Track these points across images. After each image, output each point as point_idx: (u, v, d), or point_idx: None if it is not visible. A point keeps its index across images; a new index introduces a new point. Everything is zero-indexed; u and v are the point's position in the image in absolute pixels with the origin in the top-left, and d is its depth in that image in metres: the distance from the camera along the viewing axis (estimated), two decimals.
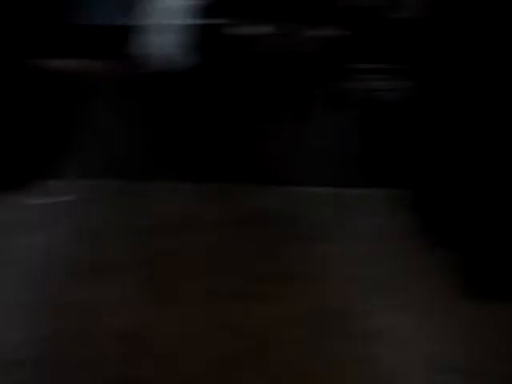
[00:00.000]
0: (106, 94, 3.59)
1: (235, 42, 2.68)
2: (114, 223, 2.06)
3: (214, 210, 2.16)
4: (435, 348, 1.46)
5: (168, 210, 2.16)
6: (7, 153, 2.28)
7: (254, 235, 1.99)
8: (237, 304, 1.63)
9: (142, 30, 2.79)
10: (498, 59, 1.90)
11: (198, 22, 2.91)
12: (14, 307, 1.63)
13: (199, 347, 1.46)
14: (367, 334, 1.51)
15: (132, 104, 3.21)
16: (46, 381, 1.35)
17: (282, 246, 1.93)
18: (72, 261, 1.82)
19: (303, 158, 2.69)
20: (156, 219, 2.09)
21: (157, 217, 2.11)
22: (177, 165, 2.57)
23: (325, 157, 2.71)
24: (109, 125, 3.03)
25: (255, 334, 1.50)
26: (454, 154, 1.97)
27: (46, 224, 2.04)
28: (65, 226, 2.03)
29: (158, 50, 2.74)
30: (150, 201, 2.23)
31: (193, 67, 3.47)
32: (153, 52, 2.75)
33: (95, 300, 1.65)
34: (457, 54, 1.93)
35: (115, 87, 3.41)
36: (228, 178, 2.45)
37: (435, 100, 2.01)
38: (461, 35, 1.90)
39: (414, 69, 3.52)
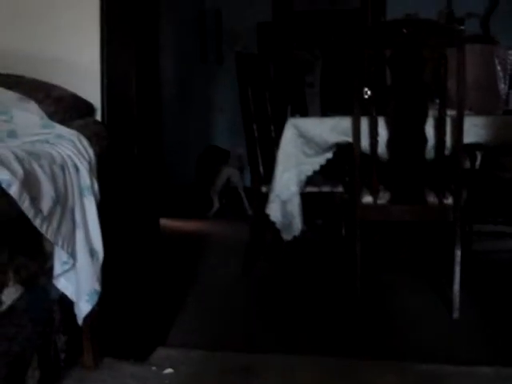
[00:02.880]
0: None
1: (354, 211, 2.68)
2: None
3: None
4: None
5: None
6: (129, 318, 2.27)
7: None
8: None
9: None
10: None
11: (317, 190, 2.98)
12: None
13: None
14: None
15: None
16: None
17: None
18: None
19: (428, 330, 2.52)
20: None
21: None
22: (290, 336, 2.44)
23: (455, 330, 2.53)
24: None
25: None
26: None
27: None
28: None
29: (281, 217, 2.79)
30: (266, 377, 2.09)
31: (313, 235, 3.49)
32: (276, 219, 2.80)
33: None
34: None
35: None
36: (345, 351, 2.28)
37: None
38: None
39: None
